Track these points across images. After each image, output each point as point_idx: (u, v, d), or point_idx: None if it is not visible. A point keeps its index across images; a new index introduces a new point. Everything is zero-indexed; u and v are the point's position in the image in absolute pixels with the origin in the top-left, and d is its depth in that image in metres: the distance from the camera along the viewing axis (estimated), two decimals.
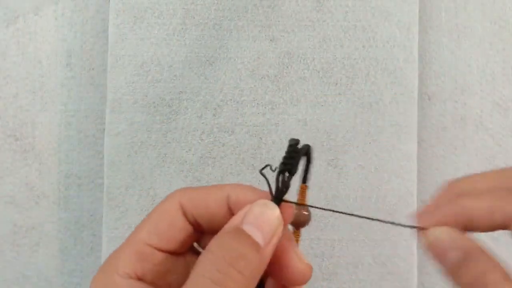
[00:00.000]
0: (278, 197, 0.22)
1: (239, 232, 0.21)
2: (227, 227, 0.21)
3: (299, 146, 0.23)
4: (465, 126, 0.43)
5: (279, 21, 0.41)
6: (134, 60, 0.41)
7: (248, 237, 0.20)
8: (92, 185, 0.44)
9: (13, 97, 0.44)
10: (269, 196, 0.22)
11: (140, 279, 0.22)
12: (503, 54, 0.43)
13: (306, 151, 0.24)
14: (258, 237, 0.20)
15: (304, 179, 0.25)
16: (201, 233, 0.24)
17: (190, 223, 0.23)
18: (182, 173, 0.40)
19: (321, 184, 0.40)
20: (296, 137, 0.23)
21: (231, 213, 0.23)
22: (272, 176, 0.23)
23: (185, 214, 0.23)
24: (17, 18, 0.44)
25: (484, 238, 0.44)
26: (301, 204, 0.23)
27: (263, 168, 0.23)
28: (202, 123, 0.41)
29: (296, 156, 0.23)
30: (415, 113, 0.41)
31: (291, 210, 0.23)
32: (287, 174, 0.23)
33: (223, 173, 0.41)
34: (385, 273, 0.40)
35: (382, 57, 0.41)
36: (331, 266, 0.40)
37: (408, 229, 0.41)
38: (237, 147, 0.41)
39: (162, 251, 0.23)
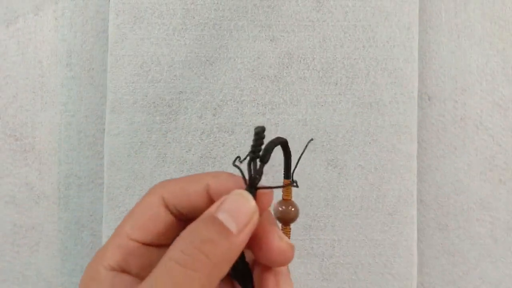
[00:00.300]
0: (251, 185, 0.23)
1: (211, 219, 0.21)
2: (202, 216, 0.22)
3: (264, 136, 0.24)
4: (465, 126, 0.43)
5: (279, 21, 0.41)
6: (134, 60, 0.41)
7: (219, 223, 0.21)
8: (92, 185, 0.44)
9: (13, 97, 0.44)
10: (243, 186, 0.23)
11: (124, 271, 0.23)
12: (503, 54, 0.44)
13: (284, 146, 0.25)
14: (232, 225, 0.21)
15: (287, 175, 0.26)
16: (184, 223, 0.24)
17: (173, 214, 0.24)
18: (182, 173, 0.40)
19: (321, 184, 0.40)
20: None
21: (211, 201, 0.23)
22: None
23: (167, 206, 0.24)
24: (17, 18, 0.44)
25: (484, 238, 0.44)
26: (269, 187, 0.23)
27: (234, 160, 0.24)
28: (202, 123, 0.41)
29: (268, 144, 0.23)
30: (415, 113, 0.41)
31: (269, 196, 0.24)
32: (258, 162, 0.23)
33: None
34: (385, 273, 0.40)
35: (382, 57, 0.41)
36: (331, 266, 0.40)
37: (408, 229, 0.41)
38: (237, 147, 0.41)
39: (146, 244, 0.23)
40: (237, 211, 0.21)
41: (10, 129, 0.44)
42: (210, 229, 0.21)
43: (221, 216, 0.21)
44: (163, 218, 0.24)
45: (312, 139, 0.25)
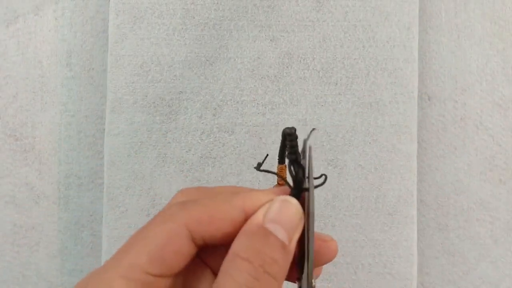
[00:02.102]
0: (297, 188, 0.22)
1: (265, 233, 0.20)
2: (248, 226, 0.21)
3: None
4: (465, 126, 0.43)
5: (279, 21, 0.41)
6: (134, 60, 0.41)
7: (276, 238, 0.20)
8: (92, 185, 0.44)
9: (13, 97, 0.44)
10: (286, 192, 0.22)
11: None
12: (503, 54, 0.43)
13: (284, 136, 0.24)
14: (283, 235, 0.21)
15: (282, 160, 0.25)
16: (201, 249, 0.23)
17: (197, 245, 0.22)
18: (182, 173, 0.40)
19: None
20: (292, 126, 0.23)
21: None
22: (254, 176, 0.23)
23: (193, 239, 0.21)
24: (17, 18, 0.44)
25: (484, 238, 0.44)
26: (307, 189, 0.23)
27: (259, 165, 0.23)
28: (202, 123, 0.41)
29: (296, 144, 0.23)
30: (415, 113, 0.41)
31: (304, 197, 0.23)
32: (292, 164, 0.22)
33: (223, 173, 0.41)
34: (385, 273, 0.40)
35: (382, 57, 0.41)
36: (331, 266, 0.40)
37: (408, 229, 0.41)
38: (237, 147, 0.41)
39: (162, 276, 0.21)
40: (285, 219, 0.21)
41: (10, 129, 0.44)
42: (269, 245, 0.20)
43: (272, 227, 0.20)
44: (188, 251, 0.21)
45: (314, 129, 0.24)
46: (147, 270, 0.20)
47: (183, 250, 0.21)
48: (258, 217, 0.21)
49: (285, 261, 0.20)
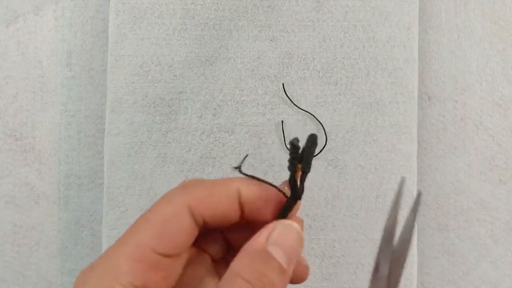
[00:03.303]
0: (295, 197, 0.23)
1: (267, 256, 0.21)
2: (251, 247, 0.21)
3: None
4: (465, 126, 0.43)
5: (279, 21, 0.41)
6: (134, 60, 0.41)
7: (276, 262, 0.21)
8: (92, 185, 0.44)
9: (13, 97, 0.44)
10: (278, 192, 0.23)
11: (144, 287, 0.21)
12: (503, 54, 0.43)
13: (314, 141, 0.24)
14: (283, 259, 0.21)
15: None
16: (202, 228, 0.24)
17: (197, 223, 0.23)
18: (182, 173, 0.40)
19: (321, 184, 0.40)
20: (296, 137, 0.23)
21: (241, 209, 0.23)
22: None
23: (193, 216, 0.22)
24: (17, 18, 0.44)
25: (484, 238, 0.44)
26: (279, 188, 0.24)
27: (239, 166, 0.23)
28: (202, 123, 0.41)
29: (296, 157, 0.23)
30: (415, 113, 0.41)
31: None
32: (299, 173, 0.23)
33: (223, 173, 0.41)
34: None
35: (382, 57, 0.41)
36: (331, 266, 0.40)
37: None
38: (237, 147, 0.41)
39: (168, 256, 0.22)
40: (287, 244, 0.22)
41: (10, 129, 0.44)
42: (269, 268, 0.21)
43: (273, 251, 0.21)
44: (190, 230, 0.22)
45: (314, 135, 0.24)
46: (154, 248, 0.21)
47: (186, 228, 0.22)
48: (261, 239, 0.21)
49: (283, 285, 0.21)
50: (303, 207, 0.40)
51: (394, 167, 0.40)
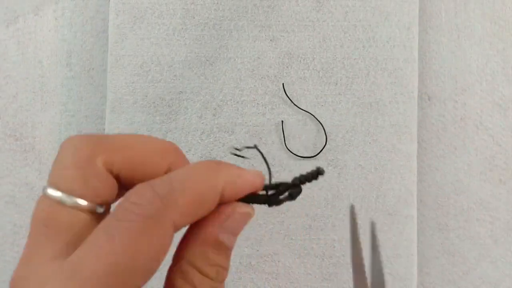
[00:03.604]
0: (268, 202, 0.23)
1: (219, 245, 0.21)
2: (204, 236, 0.21)
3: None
4: (465, 126, 0.43)
5: (279, 21, 0.41)
6: (134, 60, 0.41)
7: (227, 248, 0.21)
8: None
9: (13, 97, 0.44)
10: (258, 183, 0.22)
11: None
12: (503, 54, 0.43)
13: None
14: (232, 243, 0.21)
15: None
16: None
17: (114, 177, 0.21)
18: None
19: (321, 184, 0.40)
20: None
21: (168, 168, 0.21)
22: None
23: (175, 231, 0.20)
24: (17, 18, 0.44)
25: (484, 238, 0.44)
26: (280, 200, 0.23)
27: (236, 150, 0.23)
28: (202, 123, 0.41)
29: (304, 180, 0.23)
30: (415, 113, 0.41)
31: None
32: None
33: None
34: (385, 273, 0.40)
35: (382, 57, 0.41)
36: (331, 266, 0.40)
37: (408, 229, 0.41)
38: (237, 147, 0.41)
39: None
40: (239, 230, 0.21)
41: (10, 129, 0.44)
42: (222, 256, 0.21)
43: (226, 239, 0.21)
44: (168, 247, 0.20)
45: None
46: (139, 285, 0.18)
47: (168, 248, 0.19)
48: (213, 229, 0.21)
49: (229, 265, 0.22)
50: (303, 207, 0.40)
51: (394, 167, 0.40)
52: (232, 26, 0.41)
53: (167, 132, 0.40)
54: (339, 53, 0.41)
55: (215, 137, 0.41)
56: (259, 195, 0.22)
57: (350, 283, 0.40)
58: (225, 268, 0.21)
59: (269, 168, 0.24)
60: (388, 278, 0.40)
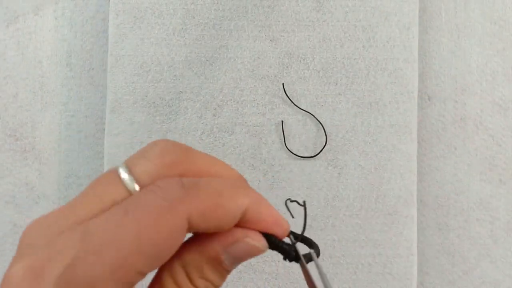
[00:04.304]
0: (285, 252, 0.21)
1: (218, 263, 0.20)
2: (207, 249, 0.20)
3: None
4: (465, 126, 0.43)
5: (279, 21, 0.41)
6: (134, 60, 0.41)
7: (224, 269, 0.21)
8: None
9: (13, 97, 0.44)
10: (285, 226, 0.21)
11: None
12: (503, 54, 0.43)
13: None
14: (231, 265, 0.21)
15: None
16: None
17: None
18: None
19: (321, 184, 0.40)
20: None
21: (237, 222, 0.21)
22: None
23: (188, 230, 0.19)
24: (17, 18, 0.44)
25: (484, 238, 0.44)
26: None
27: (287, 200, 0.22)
28: (202, 123, 0.41)
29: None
30: (415, 113, 0.41)
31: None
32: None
33: None
34: (385, 273, 0.40)
35: (382, 57, 0.41)
36: (331, 266, 0.40)
37: (408, 229, 0.41)
38: (237, 147, 0.41)
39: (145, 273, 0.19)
40: (243, 258, 0.21)
41: (10, 129, 0.44)
42: (216, 274, 0.20)
43: (226, 260, 0.20)
44: (179, 244, 0.19)
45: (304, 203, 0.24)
46: (140, 270, 0.18)
47: (178, 244, 0.19)
48: (218, 247, 0.20)
49: (223, 282, 0.21)
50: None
51: (394, 167, 0.40)
52: (232, 26, 0.41)
53: (167, 132, 0.40)
54: (339, 53, 0.41)
55: (215, 137, 0.41)
56: (281, 241, 0.21)
57: (350, 283, 0.40)
58: (216, 286, 0.21)
59: (305, 224, 0.22)
60: (388, 278, 0.40)
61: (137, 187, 0.19)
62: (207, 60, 0.41)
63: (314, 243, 0.22)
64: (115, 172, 0.19)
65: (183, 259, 0.20)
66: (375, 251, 0.40)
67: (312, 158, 0.41)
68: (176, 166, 0.20)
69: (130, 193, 0.19)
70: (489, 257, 0.43)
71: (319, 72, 0.41)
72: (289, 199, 0.23)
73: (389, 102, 0.41)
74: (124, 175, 0.19)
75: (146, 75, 0.41)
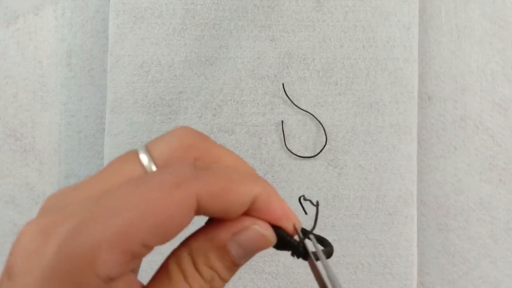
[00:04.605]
0: (292, 245, 0.21)
1: (225, 253, 0.20)
2: (214, 237, 0.20)
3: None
4: (465, 126, 0.43)
5: (279, 21, 0.41)
6: (134, 60, 0.41)
7: (231, 260, 0.20)
8: None
9: (13, 97, 0.44)
10: (295, 220, 0.21)
11: (115, 278, 0.18)
12: (503, 54, 0.43)
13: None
14: (239, 257, 0.20)
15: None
16: None
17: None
18: None
19: (321, 184, 0.40)
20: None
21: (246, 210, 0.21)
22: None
23: (197, 211, 0.19)
24: (17, 18, 0.44)
25: (484, 238, 0.44)
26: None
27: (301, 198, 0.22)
28: (202, 123, 0.41)
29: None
30: (415, 113, 0.41)
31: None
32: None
33: None
34: (385, 273, 0.40)
35: (382, 57, 0.41)
36: (331, 266, 0.40)
37: (408, 229, 0.41)
38: (237, 147, 0.41)
39: (151, 248, 0.19)
40: (251, 249, 0.20)
41: (10, 129, 0.44)
42: (224, 264, 0.20)
43: (234, 250, 0.20)
44: (187, 223, 0.19)
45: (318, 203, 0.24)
46: (146, 243, 0.18)
47: (186, 223, 0.18)
48: (225, 235, 0.20)
49: (230, 277, 0.21)
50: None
51: (394, 167, 0.40)
52: (232, 26, 0.41)
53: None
54: (339, 53, 0.41)
55: (215, 137, 0.41)
56: (289, 235, 0.21)
57: (350, 283, 0.40)
58: (223, 279, 0.20)
59: (315, 222, 0.22)
60: (388, 278, 0.40)
61: (154, 167, 0.20)
62: (207, 60, 0.41)
63: (328, 241, 0.22)
64: (134, 153, 0.20)
65: (190, 246, 0.20)
66: (375, 251, 0.40)
67: (312, 158, 0.41)
68: (192, 150, 0.21)
69: (147, 172, 0.20)
70: (489, 257, 0.43)
71: (319, 72, 0.41)
72: (303, 196, 0.23)
73: (389, 102, 0.41)
74: (142, 155, 0.20)
75: (146, 75, 0.41)
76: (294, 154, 0.40)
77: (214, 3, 0.41)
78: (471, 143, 0.43)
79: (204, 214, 0.19)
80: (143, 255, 0.18)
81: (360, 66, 0.41)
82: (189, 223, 0.19)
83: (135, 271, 0.21)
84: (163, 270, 0.20)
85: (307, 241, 0.21)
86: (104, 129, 0.42)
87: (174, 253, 0.20)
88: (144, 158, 0.20)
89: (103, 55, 0.44)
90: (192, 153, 0.21)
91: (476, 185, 0.43)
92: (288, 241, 0.21)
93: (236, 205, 0.19)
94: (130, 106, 0.40)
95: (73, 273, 0.17)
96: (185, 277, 0.20)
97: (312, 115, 0.41)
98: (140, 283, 0.20)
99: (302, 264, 0.40)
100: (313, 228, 0.22)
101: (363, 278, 0.40)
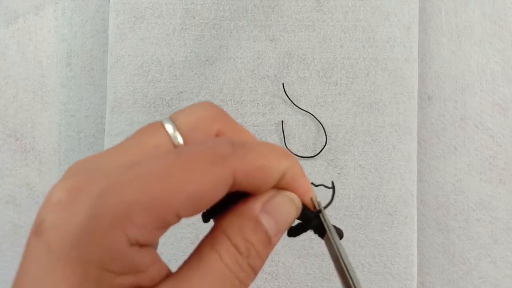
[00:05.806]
0: (306, 219, 0.22)
1: (257, 225, 0.20)
2: (244, 211, 0.20)
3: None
4: (465, 126, 0.43)
5: (279, 21, 0.41)
6: (134, 60, 0.41)
7: (264, 233, 0.20)
8: None
9: (13, 97, 0.44)
10: (314, 197, 0.23)
11: (145, 245, 0.18)
12: (503, 54, 0.43)
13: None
14: (272, 230, 0.21)
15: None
16: None
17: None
18: None
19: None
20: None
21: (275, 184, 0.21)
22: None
23: (232, 186, 0.19)
24: (17, 18, 0.44)
25: (484, 238, 0.44)
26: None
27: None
28: None
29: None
30: (415, 113, 0.41)
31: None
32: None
33: None
34: (385, 273, 0.40)
35: (382, 57, 0.41)
36: (331, 266, 0.40)
37: (408, 229, 0.41)
38: None
39: (180, 218, 0.19)
40: (281, 216, 0.21)
41: (10, 129, 0.44)
42: (257, 238, 0.20)
43: (265, 221, 0.20)
44: (220, 197, 0.19)
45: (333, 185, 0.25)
46: (179, 213, 0.18)
47: (219, 197, 0.19)
48: (255, 205, 0.21)
49: (266, 256, 0.21)
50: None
51: (394, 167, 0.40)
52: (232, 26, 0.41)
53: None
54: (339, 53, 0.41)
55: None
56: (309, 209, 0.22)
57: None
58: (259, 254, 0.20)
59: (332, 199, 0.24)
60: (388, 278, 0.40)
61: (179, 137, 0.20)
62: (207, 60, 0.41)
63: (339, 228, 0.23)
64: (158, 124, 0.21)
65: (222, 226, 0.20)
66: (375, 251, 0.40)
67: (312, 158, 0.41)
68: (215, 122, 0.21)
69: (172, 141, 0.20)
70: (489, 257, 0.43)
71: (319, 72, 0.41)
72: (312, 183, 0.24)
73: (389, 102, 0.41)
74: (168, 125, 0.21)
75: (146, 75, 0.41)
76: (294, 154, 0.40)
77: (214, 3, 0.41)
78: (471, 143, 0.43)
79: (237, 189, 0.20)
80: (170, 225, 0.18)
81: (360, 66, 0.41)
82: (221, 196, 0.19)
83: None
84: (196, 254, 0.20)
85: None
86: (104, 129, 0.42)
87: (205, 238, 0.20)
88: (169, 127, 0.20)
89: (103, 55, 0.44)
90: (214, 125, 0.21)
91: (476, 185, 0.43)
92: (307, 214, 0.22)
93: (268, 181, 0.20)
94: (130, 106, 0.40)
95: (103, 232, 0.17)
96: (220, 256, 0.20)
97: (312, 115, 0.41)
98: (167, 267, 0.19)
99: (302, 264, 0.40)
100: (330, 203, 0.23)
101: (363, 278, 0.40)
